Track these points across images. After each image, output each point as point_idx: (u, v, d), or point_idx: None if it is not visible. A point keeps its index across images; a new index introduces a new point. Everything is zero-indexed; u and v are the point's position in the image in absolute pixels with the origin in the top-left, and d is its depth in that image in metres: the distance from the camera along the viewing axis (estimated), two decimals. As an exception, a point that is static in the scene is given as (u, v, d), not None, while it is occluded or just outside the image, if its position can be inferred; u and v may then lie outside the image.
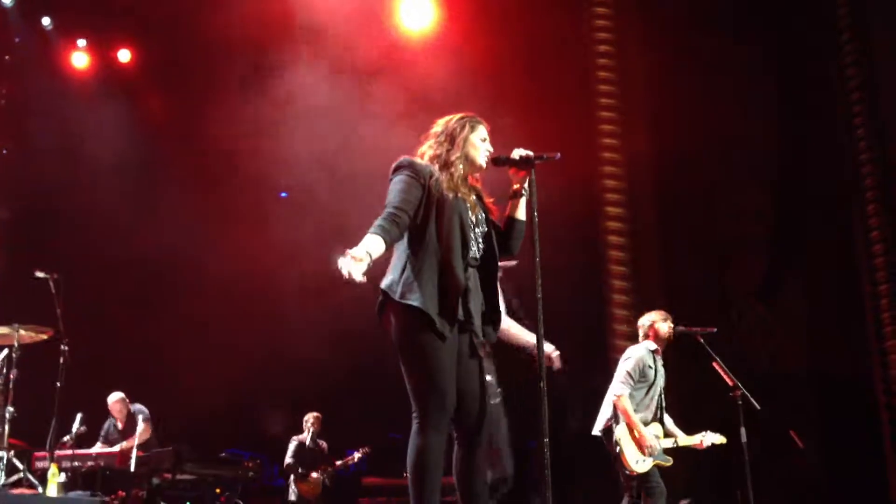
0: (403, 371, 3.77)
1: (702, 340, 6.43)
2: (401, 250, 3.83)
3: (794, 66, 10.54)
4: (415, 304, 3.70)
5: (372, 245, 3.58)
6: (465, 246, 3.89)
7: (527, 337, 5.28)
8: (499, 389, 5.19)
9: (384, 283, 3.81)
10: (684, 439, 6.70)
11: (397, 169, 3.92)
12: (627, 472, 6.33)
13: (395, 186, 3.86)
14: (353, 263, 3.45)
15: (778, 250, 10.55)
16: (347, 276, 3.43)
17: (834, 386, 9.91)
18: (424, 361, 3.70)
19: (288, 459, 9.94)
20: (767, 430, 6.88)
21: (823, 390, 9.97)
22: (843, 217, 10.18)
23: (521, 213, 4.08)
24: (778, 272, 10.48)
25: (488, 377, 5.11)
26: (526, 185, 4.01)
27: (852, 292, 9.92)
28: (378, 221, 3.71)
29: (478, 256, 3.96)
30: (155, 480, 8.30)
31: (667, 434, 6.67)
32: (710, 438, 6.69)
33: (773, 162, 10.59)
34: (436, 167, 3.94)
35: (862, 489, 9.46)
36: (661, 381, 6.65)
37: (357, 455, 10.13)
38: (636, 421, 6.37)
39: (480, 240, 3.98)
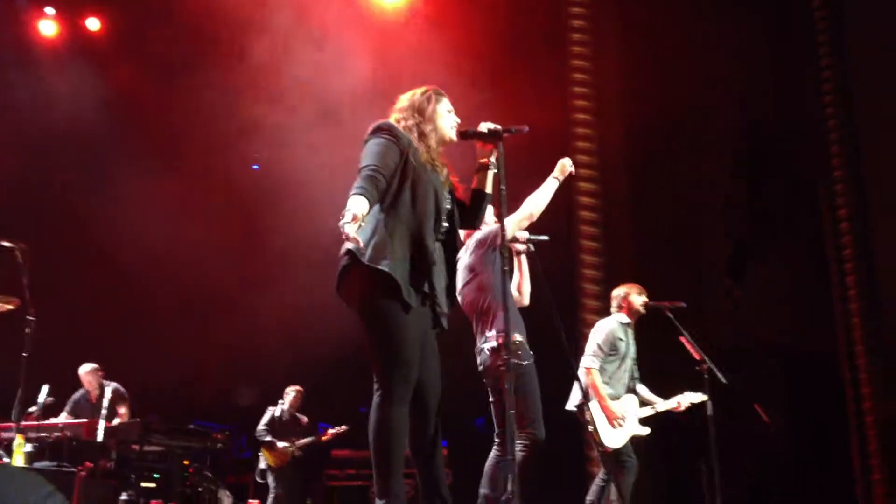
0: (367, 340, 3.71)
1: (670, 315, 6.46)
2: (371, 214, 3.72)
3: (767, 42, 10.58)
4: (384, 269, 3.64)
5: (359, 206, 3.52)
6: (437, 219, 3.88)
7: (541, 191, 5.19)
8: (531, 353, 5.18)
9: (351, 245, 3.68)
10: (663, 405, 6.73)
11: (377, 131, 3.86)
12: (601, 449, 6.37)
13: (374, 148, 3.79)
14: (353, 225, 3.42)
15: (747, 227, 10.63)
16: (353, 238, 3.43)
17: (800, 361, 10.03)
18: (389, 330, 3.66)
19: (259, 428, 9.93)
20: (733, 403, 6.93)
21: (789, 365, 10.09)
22: (812, 194, 10.27)
23: (488, 187, 4.06)
24: (747, 248, 10.56)
25: (519, 337, 5.06)
26: (493, 158, 4.00)
27: (819, 269, 10.02)
28: (358, 182, 3.64)
29: (444, 231, 3.96)
30: (122, 452, 8.27)
31: (643, 403, 6.70)
32: (688, 398, 6.70)
33: (744, 139, 10.65)
34: (414, 137, 3.91)
35: (826, 463, 9.60)
36: (632, 354, 6.69)
37: (332, 432, 10.13)
38: (604, 394, 6.41)
39: (446, 215, 3.98)
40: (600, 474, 6.55)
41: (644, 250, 10.08)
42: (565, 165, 5.21)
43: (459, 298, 5.27)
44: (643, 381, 6.87)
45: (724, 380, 6.24)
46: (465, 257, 5.30)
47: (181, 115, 10.89)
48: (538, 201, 5.15)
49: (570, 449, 9.20)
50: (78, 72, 11.36)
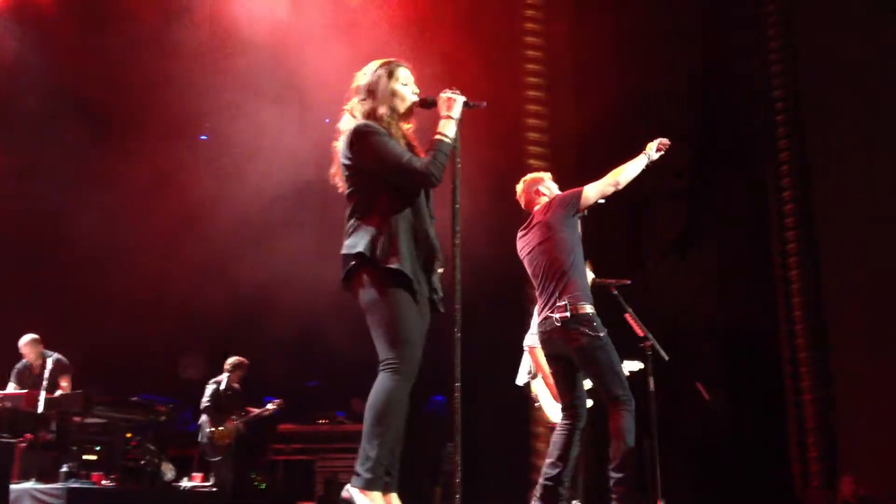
0: (377, 323, 3.77)
1: (616, 292, 6.49)
2: (372, 213, 3.81)
3: (716, 27, 10.71)
4: (396, 267, 3.72)
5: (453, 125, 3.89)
6: (428, 204, 3.94)
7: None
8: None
9: (360, 247, 3.76)
10: None
11: (369, 133, 3.84)
12: (550, 425, 6.40)
13: (387, 147, 3.81)
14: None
15: (693, 206, 10.77)
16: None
17: (741, 340, 10.21)
18: (403, 319, 3.74)
19: (205, 402, 9.81)
20: (675, 381, 7.04)
21: (731, 344, 10.27)
22: (758, 176, 10.44)
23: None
24: (692, 227, 10.70)
25: (590, 309, 5.03)
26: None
27: (763, 250, 10.21)
28: (429, 160, 3.81)
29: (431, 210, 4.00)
30: (64, 424, 8.15)
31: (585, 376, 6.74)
32: (626, 366, 6.74)
33: (691, 119, 10.77)
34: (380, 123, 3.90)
35: (764, 440, 9.81)
36: None
37: (271, 407, 10.05)
38: (547, 371, 6.43)
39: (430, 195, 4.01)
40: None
41: (591, 228, 10.14)
42: (653, 146, 5.33)
43: (527, 255, 5.26)
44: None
45: (665, 357, 6.30)
46: (541, 216, 5.23)
47: (127, 82, 10.69)
48: (627, 173, 5.24)
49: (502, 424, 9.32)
50: (24, 35, 11.04)
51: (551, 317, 5.02)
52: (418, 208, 3.88)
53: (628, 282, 6.51)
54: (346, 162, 3.88)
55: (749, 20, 10.47)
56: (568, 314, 4.95)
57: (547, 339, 5.12)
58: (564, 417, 5.22)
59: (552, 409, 6.40)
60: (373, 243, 3.75)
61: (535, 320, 6.58)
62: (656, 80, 10.28)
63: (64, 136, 10.86)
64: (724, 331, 10.31)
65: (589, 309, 5.03)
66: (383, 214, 3.79)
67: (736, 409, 9.82)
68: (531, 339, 6.54)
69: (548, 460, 5.12)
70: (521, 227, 5.43)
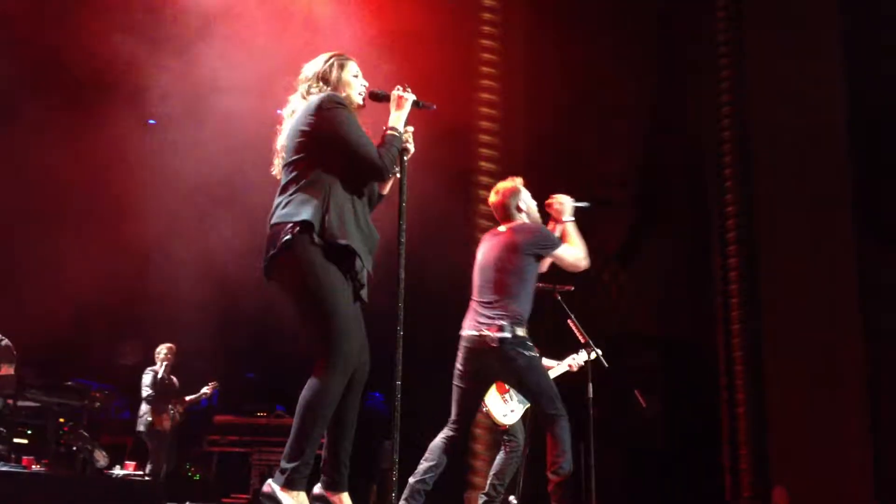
0: (310, 313, 3.64)
1: (559, 298, 6.50)
2: (318, 186, 3.67)
3: (669, 42, 10.86)
4: (346, 243, 3.61)
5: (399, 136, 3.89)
6: (371, 192, 3.92)
7: None
8: None
9: (305, 216, 3.59)
10: (554, 370, 6.71)
11: (341, 106, 3.79)
12: (499, 426, 6.40)
13: (354, 126, 3.77)
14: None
15: (637, 215, 10.89)
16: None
17: (679, 350, 10.35)
18: (336, 307, 3.60)
19: (147, 390, 9.63)
20: (613, 387, 7.10)
21: (669, 353, 10.40)
22: (702, 189, 10.60)
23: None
24: (635, 236, 10.82)
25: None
26: (410, 142, 4.01)
27: (704, 262, 10.35)
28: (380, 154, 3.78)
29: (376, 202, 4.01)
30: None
31: None
32: (580, 359, 6.65)
33: (640, 131, 10.90)
34: None
35: (697, 449, 9.95)
36: None
37: (206, 390, 9.94)
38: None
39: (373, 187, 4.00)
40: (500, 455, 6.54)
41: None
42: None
43: (484, 261, 5.25)
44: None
45: (606, 364, 6.34)
46: (515, 236, 5.21)
47: (77, 66, 10.48)
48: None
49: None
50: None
51: (486, 335, 4.91)
52: (365, 196, 3.83)
53: (571, 288, 6.54)
54: (305, 128, 3.75)
55: (703, 35, 10.61)
56: (508, 335, 4.88)
57: (479, 354, 4.99)
58: (452, 430, 5.08)
59: (500, 412, 6.40)
60: (322, 216, 3.61)
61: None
62: (606, 89, 10.40)
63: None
64: (663, 340, 10.45)
65: (524, 333, 4.99)
66: (331, 191, 3.67)
67: (671, 418, 9.94)
68: None
69: (426, 464, 4.97)
70: (490, 233, 5.43)
